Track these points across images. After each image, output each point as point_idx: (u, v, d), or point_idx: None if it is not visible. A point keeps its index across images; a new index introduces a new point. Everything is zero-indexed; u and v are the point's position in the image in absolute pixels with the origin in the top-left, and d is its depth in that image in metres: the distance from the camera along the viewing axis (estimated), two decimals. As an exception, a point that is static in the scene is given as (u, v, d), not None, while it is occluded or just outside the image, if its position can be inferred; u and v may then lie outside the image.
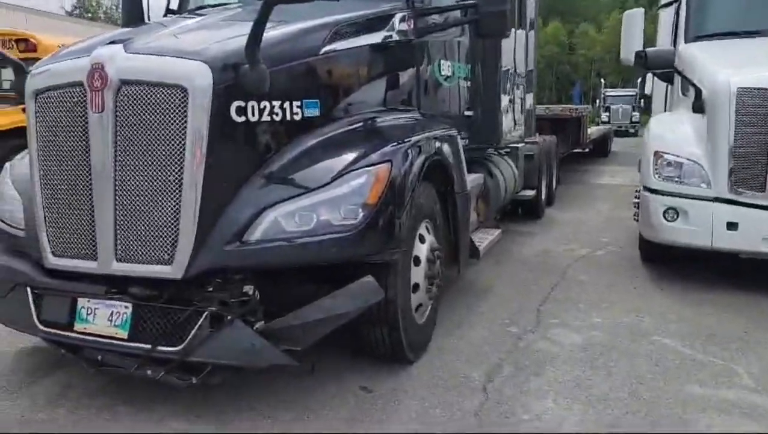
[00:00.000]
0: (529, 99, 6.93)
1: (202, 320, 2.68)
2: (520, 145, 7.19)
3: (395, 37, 3.73)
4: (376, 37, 3.58)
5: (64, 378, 3.31)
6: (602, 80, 40.48)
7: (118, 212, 2.76)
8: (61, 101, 2.84)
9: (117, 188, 2.75)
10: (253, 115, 2.81)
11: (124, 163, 2.73)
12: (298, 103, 3.00)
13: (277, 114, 2.90)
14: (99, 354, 2.85)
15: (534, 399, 3.12)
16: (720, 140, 4.66)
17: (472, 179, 4.96)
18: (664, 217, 4.93)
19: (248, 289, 2.75)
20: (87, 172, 2.78)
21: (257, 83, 2.71)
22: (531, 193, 7.50)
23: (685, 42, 5.92)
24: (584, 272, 5.54)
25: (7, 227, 3.23)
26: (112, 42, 2.86)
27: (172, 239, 2.71)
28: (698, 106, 4.99)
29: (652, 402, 3.08)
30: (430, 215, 3.64)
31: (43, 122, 2.91)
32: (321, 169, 2.92)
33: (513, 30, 5.96)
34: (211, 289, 2.76)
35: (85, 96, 2.75)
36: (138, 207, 2.74)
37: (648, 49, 5.31)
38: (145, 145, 2.70)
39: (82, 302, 2.86)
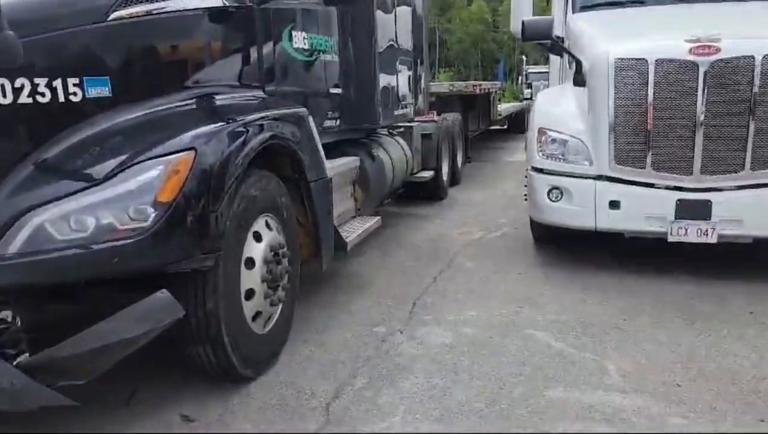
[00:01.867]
0: (420, 76, 6.53)
1: (-52, 355, 2.13)
2: (413, 124, 6.83)
3: (222, 1, 3.19)
4: (192, 1, 3.03)
5: None
6: (524, 57, 40.90)
7: None
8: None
9: None
10: (4, 96, 2.24)
11: None
12: (76, 80, 2.43)
13: (42, 94, 2.34)
14: None
15: (379, 418, 2.74)
16: (600, 114, 4.40)
17: (343, 163, 4.56)
18: (549, 197, 4.67)
19: (5, 315, 2.21)
20: None
21: (2, 55, 2.15)
22: (428, 174, 7.15)
23: (573, 12, 5.67)
24: (473, 258, 5.23)
25: None
26: None
27: None
28: (580, 80, 4.73)
29: (508, 412, 2.76)
30: (272, 209, 3.17)
31: None
32: (104, 161, 2.40)
33: (394, 5, 5.54)
34: (-38, 316, 2.20)
35: None
36: None
37: (525, 19, 4.99)
38: None
39: None
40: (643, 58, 4.23)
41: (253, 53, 3.46)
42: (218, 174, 2.59)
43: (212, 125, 2.71)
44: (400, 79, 5.72)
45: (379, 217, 4.89)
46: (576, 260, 4.96)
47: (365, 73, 4.84)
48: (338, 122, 4.61)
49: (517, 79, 37.87)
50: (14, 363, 2.18)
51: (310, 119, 3.57)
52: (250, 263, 2.95)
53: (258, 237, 3.02)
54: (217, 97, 3.08)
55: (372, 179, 5.03)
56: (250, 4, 3.38)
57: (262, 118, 3.07)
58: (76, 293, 2.40)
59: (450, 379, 3.07)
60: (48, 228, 2.23)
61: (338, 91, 4.53)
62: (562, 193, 4.62)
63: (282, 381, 3.06)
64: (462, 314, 3.92)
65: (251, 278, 2.95)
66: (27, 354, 2.22)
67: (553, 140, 4.71)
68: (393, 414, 2.76)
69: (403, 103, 5.83)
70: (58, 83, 2.38)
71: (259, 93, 3.45)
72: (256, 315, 3.03)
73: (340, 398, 2.91)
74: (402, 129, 6.68)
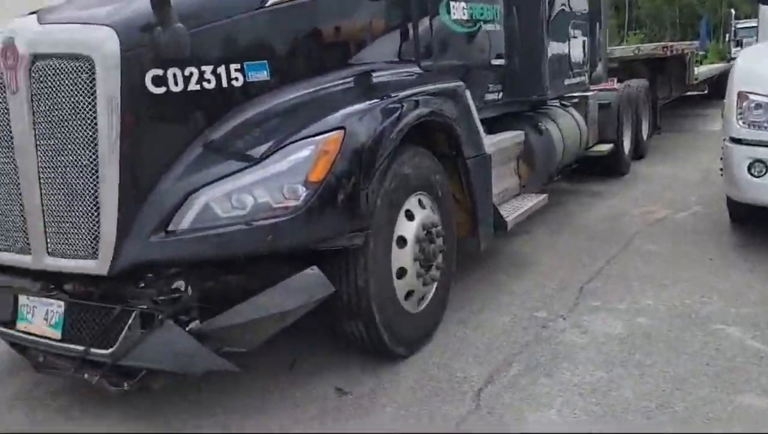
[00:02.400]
0: (597, 41, 5.99)
1: (131, 320, 2.39)
2: (589, 94, 6.32)
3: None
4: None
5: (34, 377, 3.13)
6: (733, 11, 36.05)
7: (45, 201, 2.50)
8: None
9: (41, 174, 2.48)
10: (176, 84, 2.40)
11: (44, 146, 2.46)
12: (237, 66, 2.55)
13: (209, 81, 2.48)
14: (40, 355, 2.67)
15: (533, 409, 2.57)
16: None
17: (505, 138, 4.35)
18: (750, 172, 4.04)
19: (179, 285, 2.41)
20: (12, 159, 2.55)
21: (173, 47, 2.31)
22: (606, 148, 6.59)
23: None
24: (654, 240, 4.72)
25: None
26: (32, 13, 2.58)
27: (94, 229, 2.41)
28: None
29: (684, 416, 2.43)
30: (426, 187, 3.10)
31: None
32: (262, 142, 2.49)
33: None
34: (142, 285, 2.45)
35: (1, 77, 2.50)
36: (61, 195, 2.47)
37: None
38: (60, 125, 2.40)
39: (22, 299, 2.67)
40: None
41: (408, 28, 3.39)
42: (368, 153, 2.58)
43: (363, 103, 2.71)
44: (573, 46, 5.29)
45: (546, 195, 4.60)
46: (782, 245, 4.26)
47: (532, 41, 4.54)
48: (501, 94, 4.39)
49: (724, 37, 33.60)
50: (187, 329, 2.38)
51: (468, 93, 3.43)
52: (402, 241, 2.91)
53: (410, 216, 2.97)
54: (370, 75, 3.06)
55: (538, 155, 4.74)
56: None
57: (415, 94, 3.00)
58: (242, 266, 2.55)
59: (617, 373, 2.79)
60: (213, 206, 2.37)
61: (501, 62, 4.30)
62: (767, 167, 3.96)
63: (435, 362, 3.01)
64: (637, 303, 3.55)
65: (403, 257, 2.92)
66: (197, 321, 2.41)
67: (758, 105, 4.05)
68: (549, 405, 2.58)
69: (576, 71, 5.39)
70: (222, 70, 2.52)
71: (415, 68, 3.38)
72: (409, 294, 3.00)
73: (493, 384, 2.78)
74: (576, 99, 6.23)
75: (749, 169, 4.03)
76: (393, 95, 2.88)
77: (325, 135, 2.46)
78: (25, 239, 2.59)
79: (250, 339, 2.43)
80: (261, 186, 2.39)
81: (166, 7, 2.28)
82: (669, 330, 3.18)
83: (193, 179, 2.41)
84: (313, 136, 2.46)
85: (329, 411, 2.66)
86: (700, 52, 14.02)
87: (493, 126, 4.64)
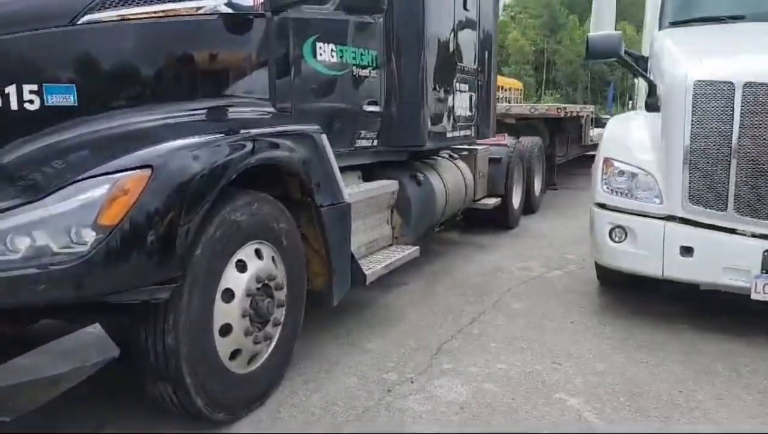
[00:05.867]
0: (486, 97, 6.06)
1: None
2: (479, 147, 6.38)
3: (224, 9, 2.94)
4: (189, 4, 2.80)
5: None
6: (636, 81, 38.68)
7: None
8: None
9: None
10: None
11: None
12: (33, 87, 2.25)
13: (-9, 102, 2.17)
14: None
15: (348, 489, 2.34)
16: (674, 144, 3.77)
17: (376, 187, 4.23)
18: (611, 237, 4.07)
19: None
20: None
21: None
22: (493, 201, 6.63)
23: (660, 28, 5.02)
24: (523, 298, 4.69)
25: None
26: None
27: None
28: (653, 104, 4.13)
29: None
30: (266, 235, 2.87)
31: None
32: (54, 176, 2.19)
33: (452, 22, 5.13)
34: None
35: None
36: None
37: (590, 35, 4.42)
38: None
39: None
40: (729, 81, 3.58)
41: (264, 65, 3.19)
42: (182, 196, 2.32)
43: (186, 140, 2.45)
44: (459, 100, 5.30)
45: (417, 247, 4.48)
46: (640, 310, 4.30)
47: (411, 90, 4.47)
48: (376, 141, 4.27)
49: (629, 103, 35.90)
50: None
51: (322, 138, 3.25)
52: (229, 295, 2.65)
53: (242, 267, 2.73)
54: (208, 111, 2.83)
55: (415, 205, 4.64)
56: (262, 12, 3.13)
57: (257, 135, 2.79)
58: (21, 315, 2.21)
59: (447, 448, 2.62)
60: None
61: (376, 108, 4.18)
62: (626, 233, 4.01)
63: (259, 429, 2.74)
64: (489, 367, 3.43)
65: (229, 313, 2.65)
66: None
67: (621, 172, 4.11)
68: (366, 486, 2.36)
69: (460, 124, 5.39)
70: (11, 90, 2.20)
71: (267, 108, 3.18)
72: (235, 353, 2.73)
73: (313, 457, 2.54)
74: (466, 152, 6.26)
75: (610, 234, 4.06)
76: (227, 135, 2.65)
77: (126, 173, 2.18)
78: None
79: (14, 407, 2.07)
80: (41, 226, 2.07)
81: None
82: (512, 398, 3.06)
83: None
84: (112, 173, 2.18)
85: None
86: (604, 116, 14.67)
87: (371, 173, 4.53)
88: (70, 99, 2.35)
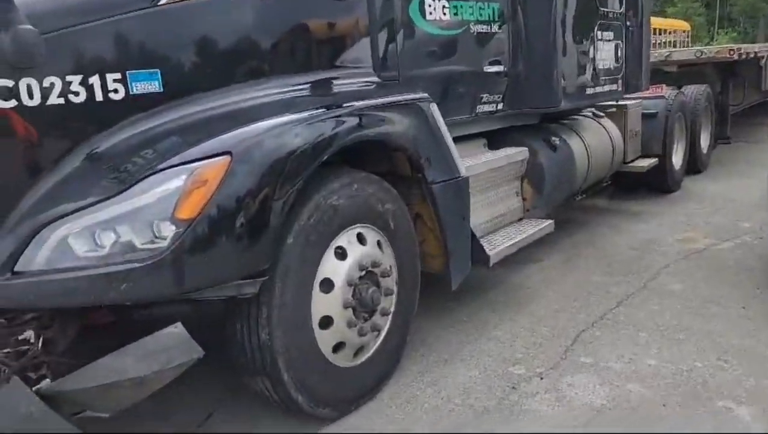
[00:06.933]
0: (637, 45, 5.25)
1: (-29, 375, 2.06)
2: (629, 103, 5.61)
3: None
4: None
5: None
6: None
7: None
8: None
9: None
10: (31, 97, 2.04)
11: None
12: (117, 76, 2.15)
13: (76, 93, 2.10)
14: None
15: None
16: None
17: (501, 157, 3.82)
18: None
19: (28, 335, 2.06)
20: None
21: (17, 53, 1.95)
22: (647, 163, 5.83)
23: None
24: (683, 277, 4.02)
25: None
26: None
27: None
28: None
29: None
30: (369, 218, 2.63)
31: None
32: (136, 167, 2.09)
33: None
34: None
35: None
36: None
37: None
38: None
39: None
40: None
41: (365, 31, 2.89)
42: (266, 185, 2.13)
43: (270, 122, 2.25)
44: (601, 51, 4.61)
45: (551, 222, 3.99)
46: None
47: (541, 45, 3.93)
48: (501, 105, 3.83)
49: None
50: (35, 388, 2.03)
51: (433, 107, 2.91)
52: (328, 285, 2.45)
53: (342, 254, 2.51)
54: (304, 86, 2.60)
55: (549, 173, 4.14)
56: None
57: (350, 111, 2.52)
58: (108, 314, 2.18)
59: (577, 465, 2.23)
60: (71, 243, 2.00)
61: (500, 68, 3.72)
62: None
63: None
64: (635, 363, 2.94)
65: (328, 304, 2.46)
66: (48, 379, 2.06)
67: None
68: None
69: (604, 78, 4.72)
70: (95, 80, 2.10)
71: (371, 78, 2.89)
72: (339, 346, 2.54)
73: (421, 465, 2.29)
74: (613, 109, 5.54)
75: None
76: (318, 112, 2.42)
77: (204, 162, 2.03)
78: None
79: (109, 405, 2.04)
80: (125, 221, 1.99)
81: (7, 6, 1.92)
82: (663, 404, 2.57)
83: (48, 209, 2.04)
84: (189, 162, 2.04)
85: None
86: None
87: (500, 140, 4.11)
88: (155, 85, 2.23)
